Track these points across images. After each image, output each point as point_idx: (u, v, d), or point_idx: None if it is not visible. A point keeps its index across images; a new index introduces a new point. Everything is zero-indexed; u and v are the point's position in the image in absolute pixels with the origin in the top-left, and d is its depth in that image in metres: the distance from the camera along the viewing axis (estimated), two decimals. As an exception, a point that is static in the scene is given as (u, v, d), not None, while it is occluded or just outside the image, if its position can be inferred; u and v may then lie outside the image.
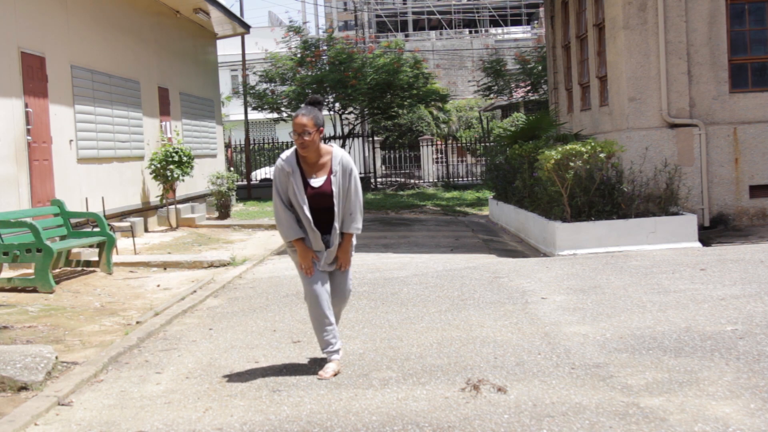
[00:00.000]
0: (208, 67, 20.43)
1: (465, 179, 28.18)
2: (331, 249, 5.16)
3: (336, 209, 5.11)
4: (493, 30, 51.73)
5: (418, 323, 6.49)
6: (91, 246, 9.95)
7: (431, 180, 28.06)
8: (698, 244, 10.19)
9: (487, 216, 16.77)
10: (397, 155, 30.16)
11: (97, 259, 9.99)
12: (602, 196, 10.46)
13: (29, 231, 8.66)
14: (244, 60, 25.73)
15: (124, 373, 5.48)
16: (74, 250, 10.05)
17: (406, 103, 26.61)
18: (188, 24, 18.58)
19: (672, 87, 11.74)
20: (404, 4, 55.00)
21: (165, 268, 10.31)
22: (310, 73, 24.81)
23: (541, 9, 39.65)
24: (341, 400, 4.61)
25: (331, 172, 5.13)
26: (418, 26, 55.82)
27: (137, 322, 7.06)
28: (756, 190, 11.85)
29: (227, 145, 26.83)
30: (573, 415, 4.15)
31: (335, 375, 5.08)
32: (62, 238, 9.93)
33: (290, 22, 26.74)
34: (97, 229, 10.14)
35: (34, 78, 10.91)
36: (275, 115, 26.47)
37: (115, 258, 10.44)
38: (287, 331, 6.45)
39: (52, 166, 11.37)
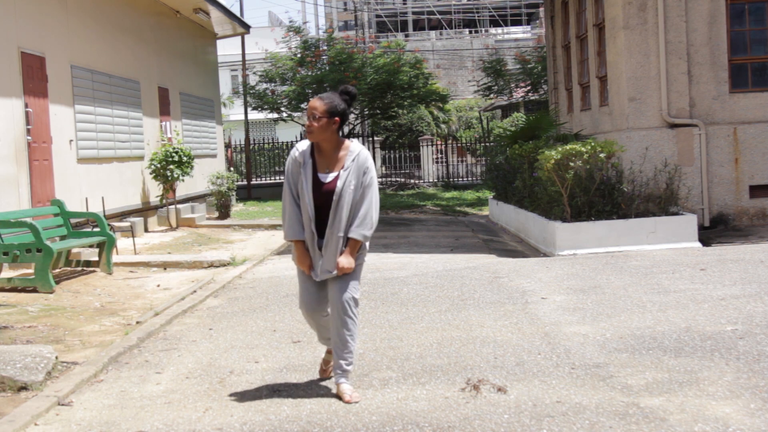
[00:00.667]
0: (208, 67, 20.43)
1: (465, 179, 28.18)
2: (323, 252, 4.63)
3: (333, 207, 4.58)
4: (493, 30, 51.73)
5: (418, 323, 6.49)
6: (91, 246, 9.95)
7: (431, 180, 28.07)
8: (698, 244, 10.19)
9: (487, 216, 16.77)
10: (397, 155, 30.16)
11: (97, 259, 9.99)
12: (602, 196, 10.46)
13: (29, 231, 8.66)
14: (244, 60, 25.73)
15: (124, 373, 5.48)
16: (74, 250, 10.05)
17: (406, 103, 26.61)
18: (188, 24, 18.58)
19: (672, 87, 11.74)
20: (404, 4, 55.00)
21: (165, 268, 10.32)
22: (310, 73, 24.81)
23: (541, 9, 39.65)
24: (341, 400, 4.61)
25: (342, 167, 4.64)
26: (418, 26, 55.82)
27: (137, 322, 7.06)
28: (756, 190, 11.85)
29: (227, 145, 26.83)
30: (573, 415, 4.15)
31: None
32: (62, 238, 9.93)
33: (290, 22, 26.75)
34: (97, 229, 10.14)
35: (34, 78, 10.91)
36: (275, 115, 26.47)
37: (115, 258, 10.44)
38: (287, 331, 6.46)
39: (52, 166, 11.37)
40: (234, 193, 17.51)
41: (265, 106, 25.80)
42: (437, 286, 8.10)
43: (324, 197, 4.61)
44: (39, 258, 8.51)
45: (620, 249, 10.03)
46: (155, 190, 15.09)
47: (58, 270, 9.80)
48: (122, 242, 12.22)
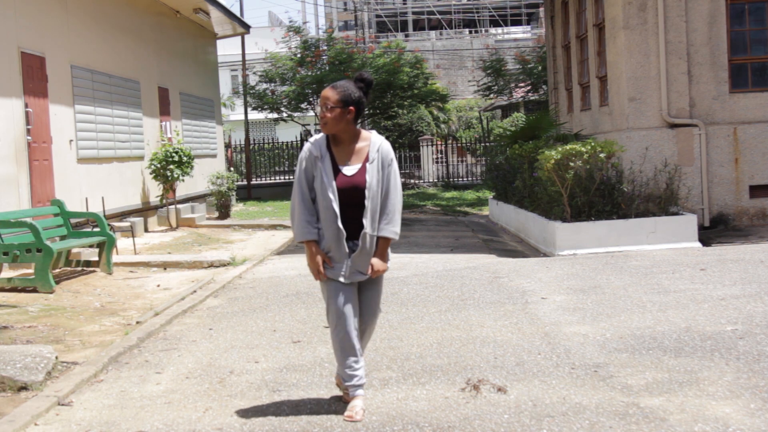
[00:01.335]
0: (208, 67, 20.44)
1: (465, 179, 28.17)
2: (356, 254, 4.30)
3: (367, 204, 4.26)
4: (493, 30, 51.73)
5: (418, 323, 6.49)
6: (91, 246, 9.95)
7: (431, 180, 28.07)
8: (698, 244, 10.19)
9: (487, 216, 16.77)
10: (397, 155, 30.15)
11: (97, 259, 9.99)
12: (602, 196, 10.46)
13: (29, 231, 8.66)
14: (244, 60, 25.74)
15: (124, 373, 5.48)
16: (74, 250, 10.05)
17: (406, 103, 26.63)
18: (188, 24, 18.58)
19: (672, 87, 11.75)
20: (404, 4, 55.01)
21: (165, 268, 10.31)
22: (310, 73, 24.82)
23: (541, 9, 39.66)
24: (341, 400, 4.61)
25: (367, 159, 4.31)
26: (418, 26, 55.83)
27: (137, 322, 7.06)
28: (756, 190, 11.85)
29: (227, 145, 26.83)
30: (573, 415, 4.15)
31: (364, 412, 4.32)
32: (62, 238, 9.93)
33: (290, 22, 26.77)
34: (97, 229, 10.15)
35: (34, 78, 10.91)
36: (275, 115, 26.48)
37: (115, 258, 10.44)
38: (287, 331, 6.45)
39: (52, 166, 11.37)
40: (234, 193, 17.51)
41: (265, 106, 25.81)
42: (437, 286, 8.09)
43: (348, 192, 4.27)
44: (39, 258, 8.51)
45: (620, 249, 10.03)
46: (155, 190, 15.09)
47: (58, 270, 9.80)
48: (122, 242, 12.22)
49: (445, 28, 51.77)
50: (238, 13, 24.28)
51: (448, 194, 24.31)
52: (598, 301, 6.93)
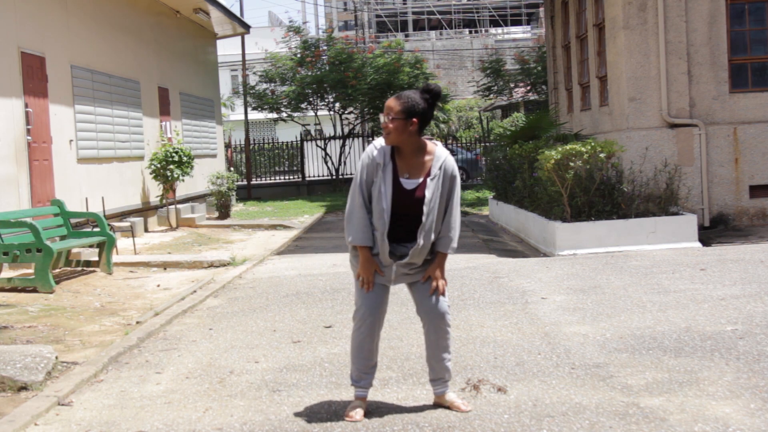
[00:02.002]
0: (208, 67, 20.44)
1: (465, 179, 28.15)
2: (403, 263, 4.27)
3: (424, 219, 4.20)
4: (493, 30, 51.75)
5: (418, 323, 6.45)
6: (91, 246, 9.95)
7: (431, 180, 28.02)
8: (698, 244, 10.19)
9: (487, 216, 16.77)
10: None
11: (97, 259, 9.99)
12: (602, 196, 10.46)
13: (29, 231, 8.66)
14: (244, 60, 25.74)
15: (124, 373, 5.48)
16: (74, 250, 10.05)
17: (406, 103, 26.56)
18: (188, 24, 18.58)
19: (672, 87, 11.75)
20: (404, 4, 55.02)
21: (165, 268, 10.31)
22: (310, 73, 24.83)
23: (541, 9, 39.65)
24: (341, 400, 4.61)
25: (428, 174, 4.23)
26: (418, 26, 55.84)
27: (137, 322, 7.06)
28: (756, 190, 11.85)
29: (227, 145, 26.83)
30: (573, 415, 4.15)
31: (365, 415, 4.31)
32: (62, 238, 9.93)
33: (290, 22, 26.78)
34: (97, 229, 10.15)
35: (34, 78, 10.91)
36: (275, 115, 26.48)
37: (115, 258, 10.44)
38: (287, 331, 6.45)
39: (52, 166, 11.37)
40: (234, 193, 17.52)
41: (265, 106, 25.81)
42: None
43: (405, 205, 4.22)
44: (39, 258, 8.51)
45: (620, 249, 10.03)
46: (155, 190, 15.09)
47: (58, 270, 9.80)
48: (122, 242, 12.22)
49: (445, 28, 51.78)
50: (238, 13, 24.29)
51: (448, 194, 24.28)
52: (598, 301, 6.93)
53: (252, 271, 9.89)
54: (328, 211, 19.05)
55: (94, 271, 9.92)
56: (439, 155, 4.27)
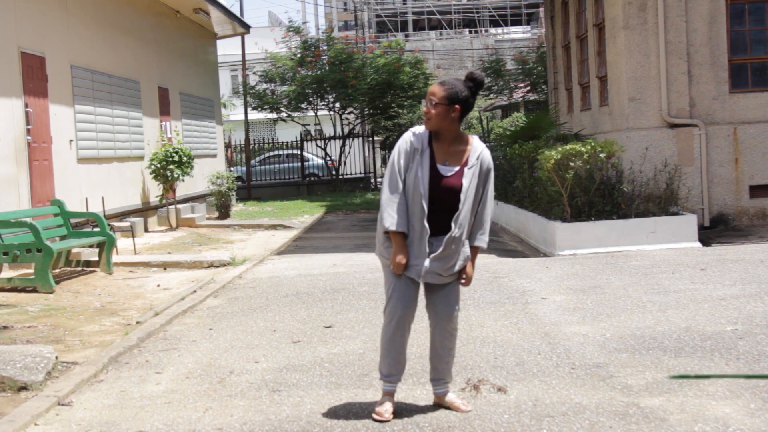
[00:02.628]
0: (208, 67, 20.44)
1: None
2: (436, 255, 4.19)
3: (460, 208, 4.17)
4: (493, 30, 51.75)
5: (418, 323, 6.46)
6: (91, 246, 9.95)
7: (431, 180, 28.03)
8: (698, 244, 10.18)
9: (487, 216, 16.76)
10: (397, 155, 30.10)
11: (97, 259, 9.99)
12: (602, 196, 10.46)
13: (29, 231, 8.65)
14: (244, 60, 25.74)
15: (124, 373, 5.48)
16: (74, 250, 10.05)
17: (406, 103, 26.63)
18: (188, 24, 18.58)
19: (672, 87, 11.75)
20: (404, 4, 55.01)
21: (165, 268, 10.31)
22: (310, 73, 24.82)
23: (541, 9, 39.64)
24: (341, 400, 4.61)
25: (466, 164, 4.23)
26: (418, 26, 55.84)
27: (137, 322, 7.06)
28: (756, 190, 11.85)
29: (227, 145, 26.82)
30: (573, 415, 4.15)
31: (393, 415, 4.26)
32: (62, 238, 9.93)
33: (290, 22, 26.78)
34: (97, 229, 10.14)
35: (34, 78, 10.91)
36: (275, 115, 26.48)
37: (115, 258, 10.44)
38: (287, 331, 6.45)
39: (52, 166, 11.37)
40: (234, 193, 17.52)
41: (265, 106, 25.81)
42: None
43: (441, 192, 4.17)
44: (39, 258, 8.51)
45: (620, 249, 10.03)
46: (155, 190, 15.09)
47: (58, 270, 9.79)
48: (122, 242, 12.22)
49: (445, 28, 51.77)
50: (238, 13, 24.29)
51: (448, 194, 24.29)
52: (598, 301, 6.93)
53: (252, 271, 9.89)
54: (328, 211, 19.05)
55: (94, 271, 9.92)
56: (477, 146, 4.29)
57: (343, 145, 26.76)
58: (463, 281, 4.35)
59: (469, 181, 4.20)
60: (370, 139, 29.60)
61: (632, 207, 10.46)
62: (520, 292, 7.55)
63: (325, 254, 11.34)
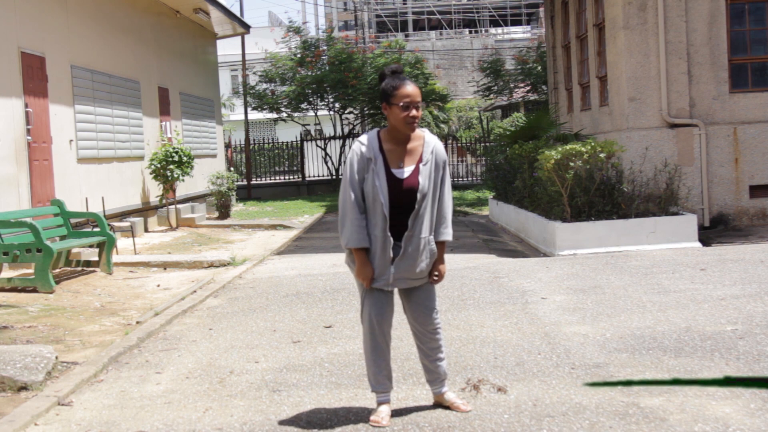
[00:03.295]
0: (208, 67, 20.44)
1: (465, 179, 28.17)
2: (399, 259, 4.15)
3: (417, 207, 4.13)
4: (493, 30, 51.73)
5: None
6: (91, 246, 9.96)
7: (431, 180, 28.01)
8: (698, 244, 10.18)
9: (487, 216, 16.77)
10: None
11: (97, 259, 9.99)
12: (602, 196, 10.46)
13: (29, 231, 8.66)
14: (244, 60, 25.74)
15: (124, 373, 5.48)
16: (74, 250, 10.05)
17: (406, 103, 26.55)
18: (188, 24, 18.58)
19: (672, 87, 11.74)
20: (404, 4, 55.02)
21: (165, 268, 10.31)
22: (310, 73, 24.83)
23: (541, 9, 39.64)
24: (341, 400, 4.61)
25: (420, 160, 4.18)
26: (418, 26, 55.83)
27: (137, 322, 7.06)
28: (756, 190, 11.85)
29: (227, 145, 26.83)
30: (573, 415, 4.15)
31: (390, 419, 4.22)
32: (62, 238, 9.93)
33: (290, 22, 26.77)
34: (97, 229, 10.14)
35: (34, 78, 10.91)
36: (275, 115, 26.49)
37: (115, 258, 10.44)
38: (287, 331, 6.45)
39: (52, 166, 11.37)
40: (234, 193, 17.52)
41: (265, 106, 25.81)
42: (437, 286, 8.08)
43: (401, 196, 4.13)
44: (39, 258, 8.51)
45: (620, 249, 10.03)
46: (155, 190, 15.09)
47: (58, 270, 9.79)
48: (122, 242, 12.22)
49: (445, 28, 51.77)
50: (238, 13, 24.29)
51: (448, 194, 24.28)
52: (598, 301, 6.93)
53: (252, 271, 9.89)
54: (328, 211, 19.05)
55: (94, 271, 9.92)
56: (429, 141, 4.26)
57: (343, 145, 26.76)
58: (435, 278, 4.31)
59: (425, 179, 4.15)
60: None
61: (632, 207, 10.46)
62: (520, 292, 7.54)
63: (325, 254, 11.34)
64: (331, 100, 25.72)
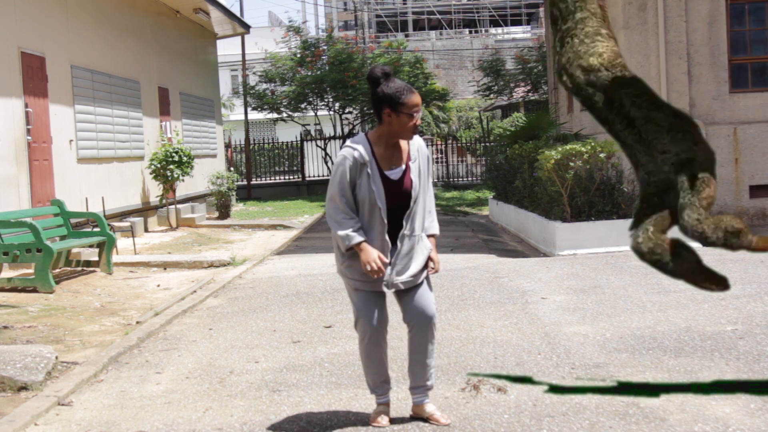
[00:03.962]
0: (208, 67, 20.44)
1: (465, 179, 28.17)
2: (395, 258, 4.13)
3: (412, 205, 4.13)
4: (493, 30, 51.72)
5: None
6: (91, 246, 9.95)
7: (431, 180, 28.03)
8: (698, 244, 10.17)
9: (487, 216, 16.77)
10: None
11: (97, 259, 9.99)
12: (602, 196, 10.46)
13: (29, 231, 8.65)
14: (244, 60, 25.74)
15: (124, 373, 5.48)
16: (74, 250, 10.05)
17: (406, 102, 26.56)
18: (188, 24, 18.58)
19: (672, 87, 11.74)
20: (404, 4, 55.01)
21: (165, 268, 10.31)
22: (310, 73, 24.83)
23: (541, 9, 39.63)
24: (341, 400, 4.61)
25: (409, 158, 4.19)
26: (418, 26, 55.82)
27: (137, 322, 7.06)
28: (756, 190, 11.85)
29: (227, 145, 26.82)
30: (573, 415, 4.15)
31: (390, 419, 4.23)
32: (62, 238, 9.93)
33: (290, 22, 26.77)
34: (97, 229, 10.14)
35: (34, 78, 10.91)
36: (275, 115, 26.49)
37: (115, 258, 10.44)
38: (287, 331, 6.45)
39: (52, 166, 11.37)
40: (234, 193, 17.52)
41: (265, 106, 25.81)
42: (437, 286, 8.08)
43: (397, 197, 4.12)
44: (39, 258, 8.51)
45: (620, 249, 10.03)
46: (155, 190, 15.09)
47: (58, 270, 9.79)
48: (122, 242, 12.22)
49: (445, 28, 51.77)
50: (238, 13, 24.29)
51: (448, 194, 24.30)
52: (598, 301, 6.93)
53: (252, 271, 9.89)
54: (328, 211, 19.02)
55: (94, 271, 9.92)
56: (414, 140, 4.24)
57: (343, 145, 26.74)
58: (431, 269, 4.26)
59: (416, 176, 4.17)
60: (370, 139, 29.55)
61: (632, 207, 10.45)
62: (520, 292, 7.54)
63: (325, 254, 11.33)
64: (331, 100, 25.72)
